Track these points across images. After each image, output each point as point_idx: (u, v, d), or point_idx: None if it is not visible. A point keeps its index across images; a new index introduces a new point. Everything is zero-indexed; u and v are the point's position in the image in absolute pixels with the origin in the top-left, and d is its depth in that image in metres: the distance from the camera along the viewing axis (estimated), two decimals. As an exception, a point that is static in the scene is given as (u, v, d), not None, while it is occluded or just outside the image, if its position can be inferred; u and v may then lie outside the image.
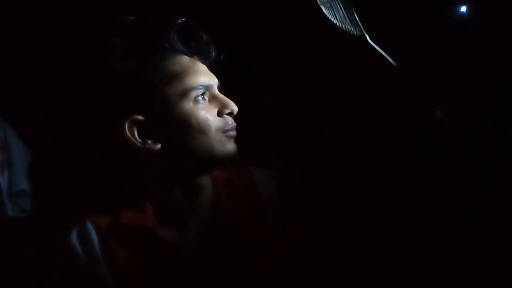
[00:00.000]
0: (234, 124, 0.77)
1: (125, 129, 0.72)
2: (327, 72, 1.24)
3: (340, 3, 0.95)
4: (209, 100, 0.75)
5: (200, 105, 0.73)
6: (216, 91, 0.77)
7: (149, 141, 0.72)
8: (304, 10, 1.25)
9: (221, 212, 0.78)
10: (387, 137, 1.16)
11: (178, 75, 0.72)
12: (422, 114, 1.13)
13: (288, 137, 1.22)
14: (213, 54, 0.79)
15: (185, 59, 0.74)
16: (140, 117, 0.71)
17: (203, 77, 0.74)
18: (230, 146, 0.76)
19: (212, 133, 0.73)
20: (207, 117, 0.72)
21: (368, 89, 1.20)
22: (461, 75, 1.08)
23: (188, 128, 0.71)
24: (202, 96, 0.74)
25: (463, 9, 1.04)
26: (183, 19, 0.75)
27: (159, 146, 0.72)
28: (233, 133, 0.76)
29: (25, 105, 1.39)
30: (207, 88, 0.75)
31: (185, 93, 0.72)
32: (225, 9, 1.19)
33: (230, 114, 0.76)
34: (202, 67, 0.76)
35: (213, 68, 0.80)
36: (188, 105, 0.72)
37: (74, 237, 0.74)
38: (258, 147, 0.98)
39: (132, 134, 0.72)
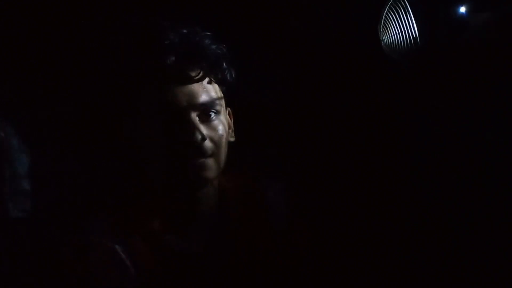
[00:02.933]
0: (196, 152, 0.71)
1: (125, 129, 0.72)
2: (328, 73, 1.24)
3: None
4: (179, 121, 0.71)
5: (164, 127, 0.70)
6: (191, 115, 0.72)
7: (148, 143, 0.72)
8: (304, 10, 1.25)
9: (226, 218, 0.77)
10: (388, 138, 1.16)
11: (159, 91, 0.70)
12: (423, 114, 1.13)
13: (290, 138, 1.22)
14: (228, 78, 0.77)
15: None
16: (140, 119, 0.71)
17: (182, 96, 0.71)
18: (190, 174, 0.71)
19: (169, 157, 0.70)
20: (166, 140, 0.70)
21: (369, 90, 1.20)
22: (461, 75, 1.08)
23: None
24: (173, 117, 0.71)
25: (463, 9, 1.04)
26: (186, 32, 0.72)
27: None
28: (190, 163, 0.71)
29: (25, 105, 1.38)
30: (181, 108, 0.71)
31: (159, 106, 0.70)
32: (225, 9, 1.19)
33: (190, 143, 0.71)
34: (186, 88, 0.72)
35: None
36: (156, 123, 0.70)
37: (88, 236, 0.73)
38: (260, 148, 0.98)
39: (133, 134, 0.71)
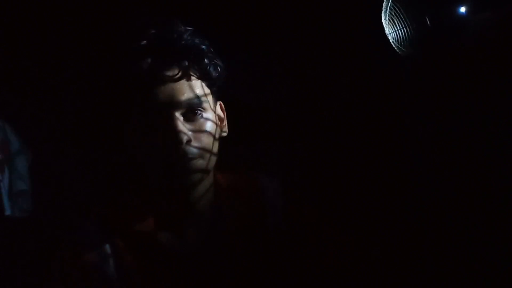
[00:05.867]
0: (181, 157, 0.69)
1: (129, 131, 0.72)
2: (326, 72, 1.24)
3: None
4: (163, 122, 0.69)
5: (147, 128, 0.69)
6: (174, 116, 0.70)
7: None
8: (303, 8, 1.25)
9: (222, 216, 0.77)
10: (386, 137, 1.16)
11: (148, 88, 0.69)
12: (423, 114, 1.13)
13: (286, 135, 1.22)
14: (212, 74, 0.75)
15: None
16: (143, 121, 0.71)
17: (163, 97, 0.69)
18: (177, 177, 0.70)
19: (156, 160, 0.69)
20: (150, 142, 0.69)
21: (367, 89, 1.20)
22: (461, 74, 1.08)
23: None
24: (155, 118, 0.69)
25: (463, 9, 1.04)
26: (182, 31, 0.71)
27: None
28: (177, 167, 0.69)
29: (25, 105, 1.39)
30: (164, 110, 0.69)
31: (142, 108, 0.69)
32: (228, 11, 1.19)
33: (175, 146, 0.69)
34: (167, 88, 0.70)
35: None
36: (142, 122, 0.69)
37: (79, 234, 0.73)
38: (256, 146, 0.97)
39: (136, 136, 0.71)
